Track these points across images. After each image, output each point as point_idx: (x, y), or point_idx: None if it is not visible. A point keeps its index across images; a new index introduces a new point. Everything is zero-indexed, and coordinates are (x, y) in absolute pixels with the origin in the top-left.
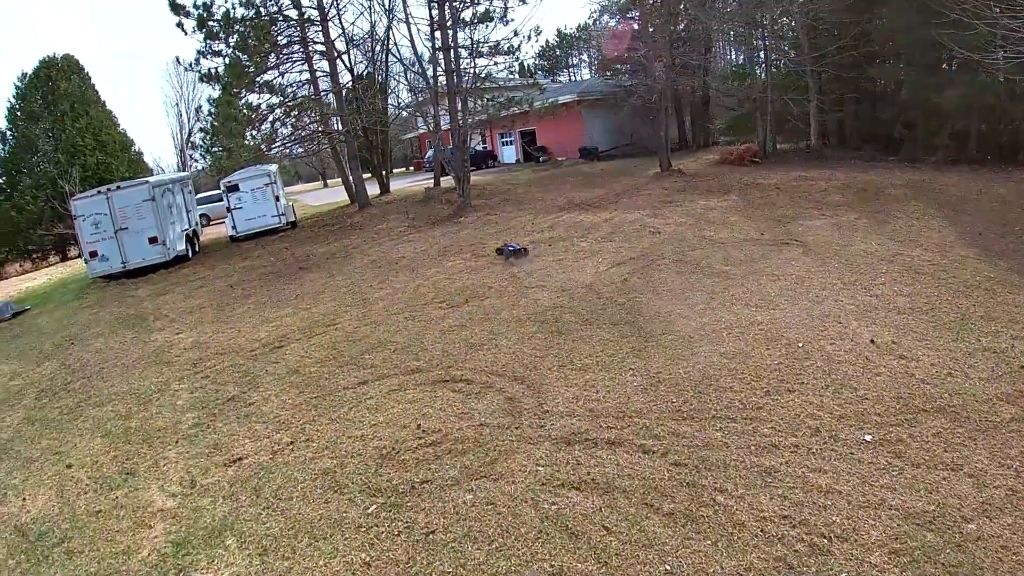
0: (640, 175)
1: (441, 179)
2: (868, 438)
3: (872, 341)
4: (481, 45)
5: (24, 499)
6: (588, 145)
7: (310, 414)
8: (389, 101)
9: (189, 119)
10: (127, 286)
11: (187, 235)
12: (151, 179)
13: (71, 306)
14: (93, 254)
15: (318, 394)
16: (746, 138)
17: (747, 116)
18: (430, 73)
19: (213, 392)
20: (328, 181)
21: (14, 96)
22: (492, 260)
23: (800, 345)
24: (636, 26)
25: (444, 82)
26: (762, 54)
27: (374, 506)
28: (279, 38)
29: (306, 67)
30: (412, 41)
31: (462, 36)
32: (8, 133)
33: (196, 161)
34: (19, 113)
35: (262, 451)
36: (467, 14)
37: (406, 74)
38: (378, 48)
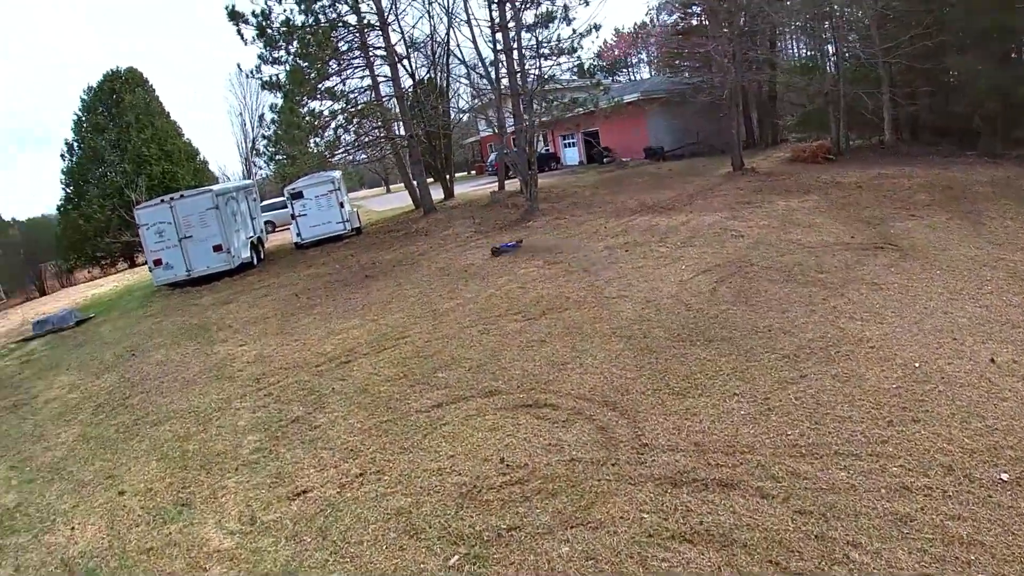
0: (711, 175)
1: (505, 183)
2: (1004, 477)
3: (992, 360)
4: (543, 46)
5: (73, 528)
6: (653, 145)
7: (381, 441)
8: (450, 105)
9: (252, 127)
10: (191, 294)
11: (252, 242)
12: (215, 187)
13: (134, 315)
14: (157, 262)
15: (389, 417)
16: (817, 134)
17: (818, 112)
18: (492, 75)
19: (276, 412)
20: (391, 187)
21: (80, 109)
22: (568, 268)
23: (916, 365)
24: (698, 21)
25: (507, 84)
26: (830, 47)
27: (456, 557)
28: (339, 44)
29: (367, 73)
30: (475, 42)
31: (525, 37)
32: (75, 144)
33: (261, 169)
34: (85, 125)
35: (329, 483)
36: (528, 15)
37: (469, 76)
38: (439, 51)
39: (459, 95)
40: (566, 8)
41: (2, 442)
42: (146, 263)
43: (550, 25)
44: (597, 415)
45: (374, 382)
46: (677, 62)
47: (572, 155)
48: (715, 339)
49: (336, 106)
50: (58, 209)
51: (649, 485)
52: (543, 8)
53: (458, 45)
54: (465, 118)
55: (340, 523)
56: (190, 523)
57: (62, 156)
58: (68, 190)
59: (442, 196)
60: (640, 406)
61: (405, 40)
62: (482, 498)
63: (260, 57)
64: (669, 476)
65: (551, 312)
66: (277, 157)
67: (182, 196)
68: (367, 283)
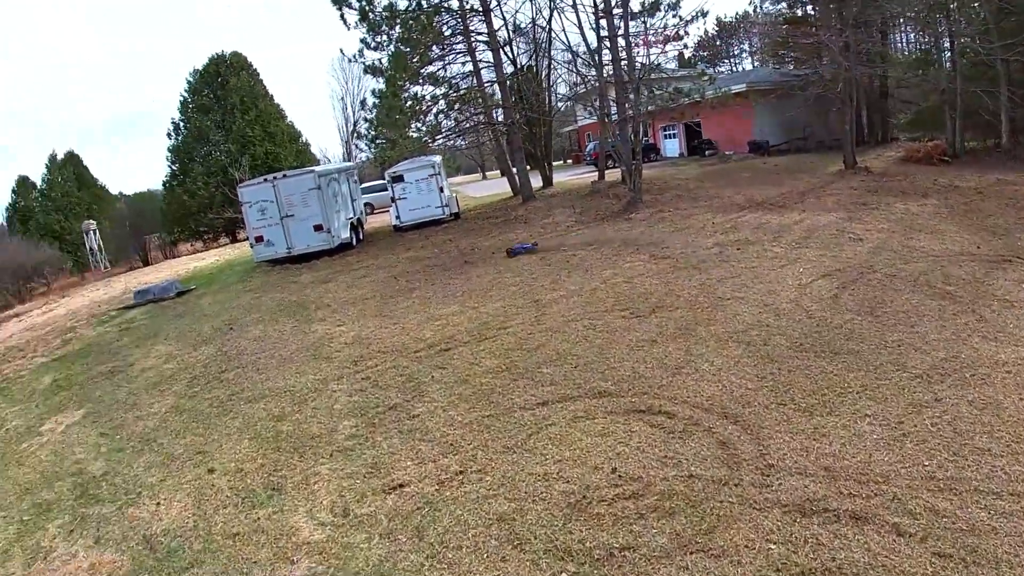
0: (821, 172)
1: (605, 172)
2: None
3: None
4: (648, 33)
5: (159, 504)
6: (758, 138)
7: (482, 437)
8: (551, 92)
9: (353, 111)
10: (291, 271)
11: (352, 224)
12: (317, 168)
13: (234, 289)
14: (259, 239)
15: (491, 412)
16: (930, 134)
17: (932, 109)
18: (596, 62)
19: (374, 397)
20: (487, 173)
21: (186, 90)
22: (676, 263)
23: None
24: (803, 11)
25: (609, 72)
26: (946, 41)
27: (564, 575)
28: (442, 28)
29: (468, 58)
30: (581, 28)
31: (631, 25)
32: (181, 124)
33: (362, 151)
34: (191, 106)
35: (427, 479)
36: (635, 2)
37: (575, 63)
38: (541, 37)
39: (560, 82)
40: None
41: (95, 407)
42: (247, 239)
43: (656, 12)
44: (716, 428)
45: (475, 373)
46: (783, 53)
47: (672, 146)
48: (841, 352)
49: (438, 91)
50: (164, 185)
51: (776, 512)
52: None
53: (563, 30)
54: (562, 107)
55: (438, 524)
56: (280, 509)
57: (168, 135)
58: (174, 167)
59: (540, 184)
60: (763, 421)
61: (507, 26)
62: (592, 511)
63: (363, 42)
64: (797, 503)
65: (661, 310)
66: (378, 141)
67: (285, 176)
68: (467, 269)
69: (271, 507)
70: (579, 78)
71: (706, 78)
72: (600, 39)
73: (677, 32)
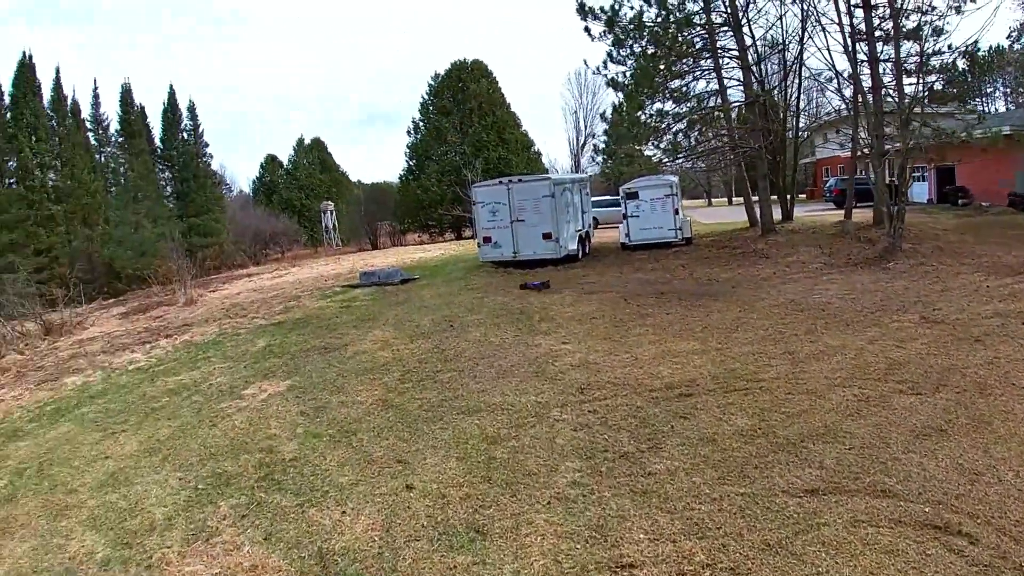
0: None
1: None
2: None
3: None
4: (912, 60)
5: (344, 512)
6: (1020, 191)
7: (735, 522)
8: (799, 119)
9: (586, 125)
10: (514, 276)
11: (580, 236)
12: (553, 176)
13: (456, 285)
14: (487, 239)
15: (745, 490)
16: None
17: None
18: (847, 92)
19: (602, 438)
20: (712, 200)
21: (427, 93)
22: (953, 330)
23: None
24: None
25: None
26: None
27: None
28: (695, 42)
29: (714, 75)
30: (829, 52)
31: (887, 49)
32: (421, 124)
33: (595, 164)
34: (431, 108)
35: (663, 564)
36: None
37: (822, 89)
38: (790, 59)
39: (805, 110)
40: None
41: (301, 382)
42: (473, 238)
43: (923, 37)
44: None
45: (723, 433)
46: None
47: (920, 190)
48: None
49: (680, 108)
50: (400, 178)
51: None
52: (917, 18)
53: (818, 50)
54: (804, 136)
55: None
56: (481, 560)
57: (408, 132)
58: (411, 163)
59: (779, 217)
60: None
61: (756, 45)
62: None
63: (608, 55)
64: None
65: (945, 389)
66: (615, 156)
67: (520, 180)
68: (705, 301)
69: (471, 554)
70: (823, 106)
71: (973, 116)
72: (855, 62)
73: (945, 63)
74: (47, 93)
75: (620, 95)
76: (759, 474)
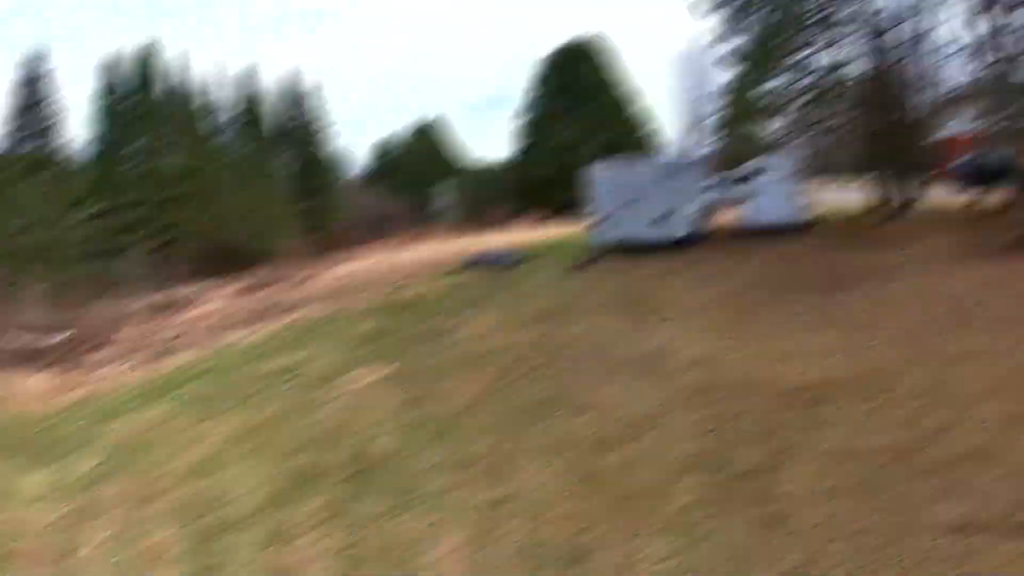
0: None
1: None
2: None
3: None
4: None
5: (431, 526)
6: None
7: (873, 559)
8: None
9: (701, 104)
10: (627, 261)
11: (694, 219)
12: (667, 158)
13: (567, 267)
14: (600, 221)
15: (888, 517)
16: None
17: None
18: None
19: (725, 447)
20: (833, 180)
21: (542, 71)
22: None
23: None
24: None
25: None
26: None
27: None
28: (817, 11)
29: (836, 48)
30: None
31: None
32: (534, 103)
33: (708, 146)
34: (545, 87)
35: None
36: None
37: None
38: (918, 29)
39: (934, 85)
40: None
41: (405, 368)
42: (584, 220)
43: None
44: None
45: (858, 448)
46: None
47: None
48: None
49: (801, 83)
50: (512, 160)
51: None
52: None
53: (947, 21)
54: (935, 112)
55: None
56: None
57: (520, 113)
58: (524, 144)
59: (907, 198)
60: None
61: (881, 14)
62: None
63: (722, 27)
64: None
65: None
66: (732, 134)
67: (634, 162)
68: (831, 294)
69: None
70: (951, 81)
71: None
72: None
73: None
74: (168, 78)
75: (737, 71)
76: (900, 502)
